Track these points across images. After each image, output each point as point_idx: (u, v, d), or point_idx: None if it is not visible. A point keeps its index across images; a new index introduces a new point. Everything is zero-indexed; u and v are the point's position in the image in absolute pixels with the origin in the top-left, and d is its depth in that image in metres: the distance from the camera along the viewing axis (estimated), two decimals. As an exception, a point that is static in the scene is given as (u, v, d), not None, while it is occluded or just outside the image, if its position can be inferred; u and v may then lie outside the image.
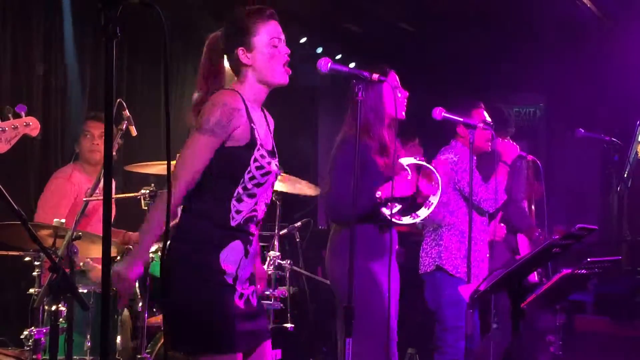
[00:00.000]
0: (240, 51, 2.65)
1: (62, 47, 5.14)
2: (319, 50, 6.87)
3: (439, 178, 3.46)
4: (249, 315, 2.64)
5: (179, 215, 2.66)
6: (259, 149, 2.63)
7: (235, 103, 2.59)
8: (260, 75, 2.67)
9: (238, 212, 2.61)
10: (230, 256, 2.59)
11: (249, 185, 2.62)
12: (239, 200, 2.62)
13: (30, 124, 2.97)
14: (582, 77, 6.78)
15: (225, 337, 2.55)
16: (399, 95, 3.56)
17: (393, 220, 3.40)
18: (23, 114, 2.94)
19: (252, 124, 2.62)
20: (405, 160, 3.45)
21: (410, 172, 3.40)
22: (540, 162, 4.44)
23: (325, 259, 3.60)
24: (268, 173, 2.66)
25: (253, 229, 2.68)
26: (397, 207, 3.41)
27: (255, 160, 2.62)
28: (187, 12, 5.47)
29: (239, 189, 2.61)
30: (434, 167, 3.47)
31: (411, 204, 3.52)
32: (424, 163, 3.48)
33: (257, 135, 2.63)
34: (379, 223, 3.40)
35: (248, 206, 2.63)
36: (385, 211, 3.35)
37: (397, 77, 3.60)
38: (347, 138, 3.42)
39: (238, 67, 2.68)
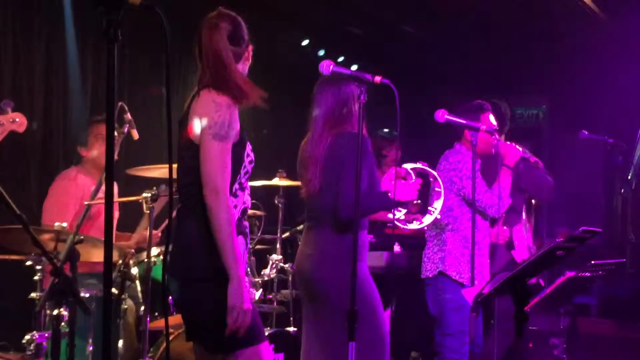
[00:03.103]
0: (246, 53, 2.71)
1: (63, 48, 5.12)
2: (321, 52, 6.85)
3: (441, 184, 3.43)
4: None
5: (180, 223, 2.62)
6: (248, 144, 2.66)
7: (232, 102, 2.60)
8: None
9: (235, 207, 2.61)
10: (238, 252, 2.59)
11: (243, 180, 2.64)
12: (235, 195, 2.62)
13: (17, 120, 2.89)
14: (586, 78, 6.75)
15: (255, 328, 2.55)
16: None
17: (398, 225, 3.39)
18: (9, 109, 2.87)
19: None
20: (409, 165, 3.43)
21: (414, 177, 3.38)
22: (543, 164, 4.42)
23: (313, 263, 3.31)
24: (252, 162, 2.70)
25: (245, 220, 2.69)
26: (402, 212, 3.38)
27: (248, 155, 2.65)
28: (189, 12, 5.45)
29: (235, 185, 2.62)
30: (436, 173, 3.46)
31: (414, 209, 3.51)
32: (428, 169, 3.45)
33: (244, 131, 2.66)
34: (385, 226, 3.38)
35: (241, 199, 2.66)
36: (390, 216, 3.33)
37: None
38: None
39: (237, 62, 2.68)
